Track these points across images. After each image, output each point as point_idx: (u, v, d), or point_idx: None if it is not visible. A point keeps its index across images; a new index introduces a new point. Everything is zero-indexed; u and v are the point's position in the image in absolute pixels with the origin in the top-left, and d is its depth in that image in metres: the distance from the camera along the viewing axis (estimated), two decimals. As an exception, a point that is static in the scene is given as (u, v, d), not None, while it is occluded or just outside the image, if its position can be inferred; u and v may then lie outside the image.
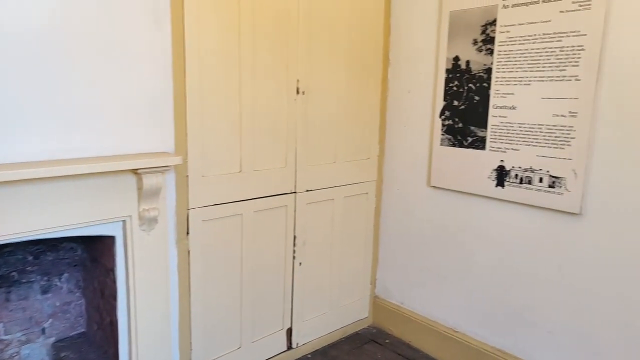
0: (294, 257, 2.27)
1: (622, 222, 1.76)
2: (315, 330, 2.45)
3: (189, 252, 1.85)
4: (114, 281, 1.61)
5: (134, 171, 1.52)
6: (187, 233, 1.83)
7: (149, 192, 1.54)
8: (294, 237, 2.25)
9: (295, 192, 2.22)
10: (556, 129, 1.90)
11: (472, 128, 2.20)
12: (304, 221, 2.29)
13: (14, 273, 1.68)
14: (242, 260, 2.06)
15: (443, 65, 2.30)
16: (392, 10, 2.52)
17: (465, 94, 2.22)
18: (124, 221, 1.57)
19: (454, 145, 2.28)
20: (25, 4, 1.36)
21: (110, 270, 1.62)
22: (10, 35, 1.34)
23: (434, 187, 2.40)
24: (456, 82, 2.25)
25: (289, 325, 2.32)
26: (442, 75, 2.31)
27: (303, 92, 2.17)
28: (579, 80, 1.82)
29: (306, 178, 2.26)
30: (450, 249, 2.36)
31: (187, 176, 1.79)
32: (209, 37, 1.81)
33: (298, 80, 2.15)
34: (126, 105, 1.59)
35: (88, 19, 1.48)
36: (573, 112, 1.84)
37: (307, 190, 2.28)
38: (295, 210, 2.24)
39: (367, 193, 2.60)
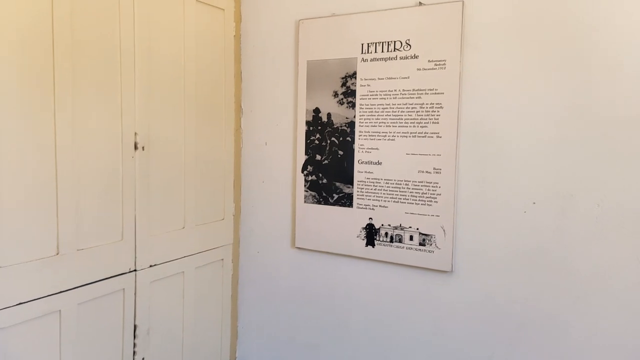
0: (134, 353, 1.79)
1: (489, 278, 1.76)
2: None
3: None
4: None
5: None
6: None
7: None
8: (135, 327, 1.78)
9: (135, 271, 1.78)
10: (422, 185, 1.86)
11: (338, 184, 2.06)
12: (148, 305, 1.84)
13: None
14: (61, 375, 1.52)
15: (303, 117, 2.14)
16: (243, 57, 2.30)
17: (328, 148, 2.08)
18: None
19: (319, 202, 2.11)
20: None
21: None
22: None
23: (300, 248, 2.19)
24: (318, 135, 2.11)
25: None
26: (303, 128, 2.15)
27: (143, 148, 1.79)
28: (440, 137, 1.81)
29: (149, 251, 1.83)
30: (322, 316, 2.15)
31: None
32: (7, 83, 1.34)
33: (136, 134, 1.75)
34: None
35: None
36: (437, 169, 1.82)
37: (151, 266, 1.85)
38: (135, 294, 1.78)
39: (222, 259, 2.25)
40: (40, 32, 1.42)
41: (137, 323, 1.79)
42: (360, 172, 2.01)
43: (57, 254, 1.49)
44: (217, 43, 2.14)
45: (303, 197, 2.16)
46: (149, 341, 1.85)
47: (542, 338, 1.68)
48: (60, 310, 1.50)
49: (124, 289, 1.72)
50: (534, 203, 1.66)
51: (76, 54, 1.52)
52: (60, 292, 1.50)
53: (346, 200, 2.04)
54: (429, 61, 1.83)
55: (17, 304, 1.38)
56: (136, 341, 1.79)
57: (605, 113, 1.54)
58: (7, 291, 1.35)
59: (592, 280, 1.59)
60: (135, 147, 1.76)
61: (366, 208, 1.99)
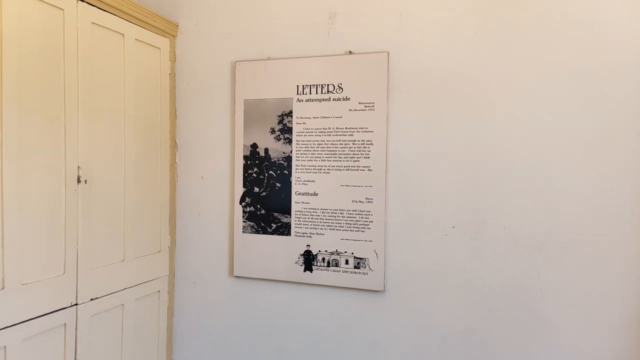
0: (74, 392, 1.73)
1: (417, 295, 1.98)
2: None
3: None
4: None
5: None
6: None
7: None
8: (76, 364, 1.73)
9: (77, 304, 1.74)
10: (356, 214, 2.06)
11: (276, 214, 2.19)
12: (88, 339, 1.79)
13: None
14: (1, 416, 1.45)
15: (240, 152, 2.26)
16: (177, 94, 2.38)
17: (266, 181, 2.22)
18: None
19: (257, 232, 2.22)
20: None
21: None
22: None
23: (238, 276, 2.26)
24: (256, 169, 2.24)
25: None
26: (240, 162, 2.26)
27: (85, 181, 1.79)
28: (371, 170, 2.04)
29: (90, 284, 1.81)
30: (260, 341, 2.22)
31: None
32: None
33: (79, 167, 1.76)
34: None
35: None
36: (369, 199, 2.04)
37: (92, 299, 1.82)
38: (76, 328, 1.73)
39: (159, 291, 2.25)
40: (-8, 63, 1.42)
41: (78, 359, 1.73)
42: (297, 203, 2.16)
43: (3, 288, 1.44)
44: (154, 81, 2.21)
45: (241, 227, 2.25)
46: (88, 378, 1.79)
47: (463, 348, 1.93)
48: (5, 346, 1.43)
49: (65, 323, 1.68)
50: (454, 227, 1.93)
51: (22, 90, 1.53)
52: (6, 327, 1.44)
53: (284, 229, 2.18)
54: (359, 103, 2.07)
55: (-39, 342, 1.31)
56: (78, 378, 1.73)
57: (500, 154, 1.87)
58: (-51, 328, 1.29)
59: (501, 293, 1.88)
60: (79, 181, 1.76)
61: (304, 236, 2.14)
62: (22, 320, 1.51)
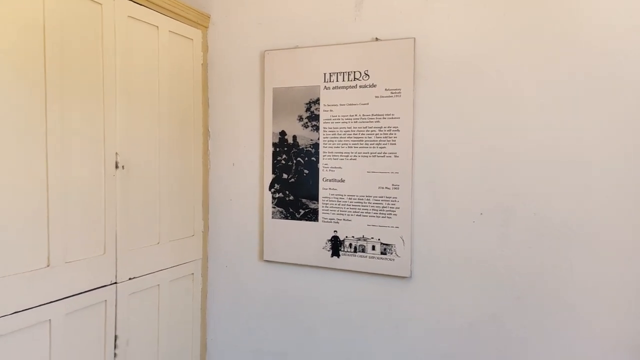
0: (115, 363, 1.85)
1: (444, 282, 1.99)
2: None
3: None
4: None
5: None
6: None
7: None
8: (115, 337, 1.85)
9: (116, 283, 1.85)
10: (382, 200, 2.08)
11: (304, 200, 2.24)
12: (127, 316, 1.91)
13: None
14: (48, 382, 1.58)
15: (269, 139, 2.32)
16: (210, 84, 2.46)
17: (294, 168, 2.27)
18: None
19: (286, 217, 2.28)
20: None
21: None
22: None
23: (267, 261, 2.33)
24: (284, 156, 2.29)
25: None
26: (269, 149, 2.32)
27: (123, 167, 1.89)
28: (397, 156, 2.06)
29: (128, 264, 1.92)
30: (289, 324, 2.29)
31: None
32: (3, 103, 1.44)
33: (117, 154, 1.86)
34: None
35: None
36: (395, 185, 2.06)
37: (130, 279, 1.93)
38: (116, 305, 1.85)
39: (192, 274, 2.35)
40: (33, 63, 1.53)
41: (117, 333, 1.85)
42: (324, 189, 2.20)
43: (48, 265, 1.56)
44: (187, 71, 2.29)
45: (271, 213, 2.32)
46: (127, 352, 1.91)
47: (490, 335, 1.92)
48: (50, 320, 1.55)
49: (105, 300, 1.79)
50: (481, 214, 1.92)
51: (65, 81, 1.64)
52: (51, 302, 1.56)
53: (312, 215, 2.23)
54: (385, 89, 2.08)
55: (12, 313, 1.43)
56: (117, 351, 1.85)
57: (529, 139, 1.84)
58: (2, 300, 1.41)
59: (530, 281, 1.85)
60: (117, 166, 1.86)
61: (331, 222, 2.19)
62: (66, 296, 1.63)
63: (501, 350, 1.91)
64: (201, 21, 2.37)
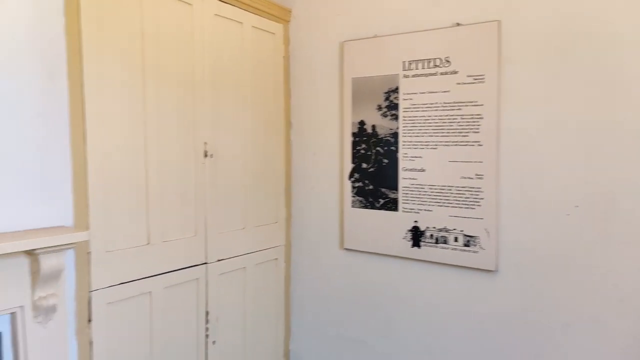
0: (207, 336, 2.01)
1: (533, 278, 1.88)
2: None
3: (91, 343, 1.51)
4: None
5: (29, 252, 1.20)
6: (89, 320, 1.51)
7: (47, 276, 1.23)
8: (207, 313, 2.00)
9: (206, 263, 2.00)
10: (465, 190, 2.03)
11: (384, 190, 2.25)
12: (217, 294, 2.06)
13: None
14: (151, 346, 1.78)
15: (349, 129, 2.35)
16: (291, 76, 2.54)
17: (373, 157, 2.28)
18: (12, 314, 1.21)
19: (365, 207, 2.30)
20: None
21: (-9, 378, 1.23)
22: None
23: (347, 249, 2.37)
24: (364, 146, 2.31)
25: (199, 420, 2.00)
26: (349, 139, 2.35)
27: (211, 155, 2.03)
28: (481, 145, 1.99)
29: (217, 247, 2.06)
30: (368, 313, 2.32)
31: (89, 253, 1.49)
32: (111, 98, 1.62)
33: (206, 143, 2.00)
34: (15, 172, 1.29)
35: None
36: (479, 175, 1.99)
37: (219, 260, 2.07)
38: (207, 283, 2.00)
39: (276, 259, 2.46)
40: (134, 61, 1.70)
41: (208, 310, 2.01)
42: (404, 179, 2.19)
43: (148, 243, 1.73)
44: (270, 64, 2.39)
45: (350, 202, 2.35)
46: (218, 327, 2.06)
47: (586, 338, 1.77)
48: (151, 292, 1.73)
49: (197, 278, 1.95)
50: (577, 206, 1.78)
51: (161, 78, 1.80)
52: (151, 276, 1.74)
53: (392, 205, 2.23)
54: (468, 76, 2.02)
55: (120, 283, 1.63)
56: (208, 326, 2.01)
57: (633, 122, 1.68)
58: (114, 272, 1.61)
59: (636, 282, 1.68)
60: (205, 155, 2.00)
61: (411, 212, 2.17)
62: (164, 272, 1.80)
63: (605, 355, 1.76)
64: (283, 15, 2.46)
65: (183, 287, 1.89)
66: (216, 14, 2.04)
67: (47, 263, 1.20)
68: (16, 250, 1.12)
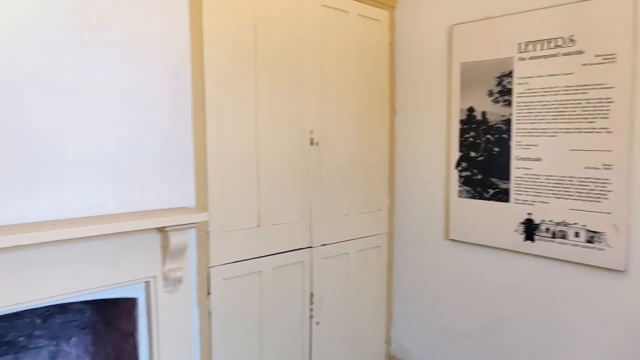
0: (311, 316, 2.10)
1: (665, 277, 1.69)
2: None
3: (210, 313, 1.67)
4: (134, 347, 1.42)
5: (160, 229, 1.34)
6: (208, 293, 1.67)
7: (175, 250, 1.37)
8: (311, 295, 2.09)
9: (311, 247, 2.07)
10: (590, 182, 1.85)
11: (494, 180, 2.14)
12: (321, 277, 2.13)
13: (21, 338, 1.47)
14: (261, 322, 1.91)
15: (456, 116, 2.26)
16: (396, 63, 2.50)
17: (483, 145, 2.17)
18: (147, 282, 1.38)
19: (473, 197, 2.21)
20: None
21: (130, 336, 1.43)
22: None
23: (453, 240, 2.30)
24: (472, 133, 2.21)
25: (303, 394, 2.10)
26: (456, 126, 2.26)
27: (317, 143, 2.08)
28: (610, 132, 1.80)
29: (321, 232, 2.12)
30: (475, 307, 2.23)
31: (208, 232, 1.63)
32: (227, 92, 1.74)
33: (311, 131, 2.05)
34: (145, 157, 1.44)
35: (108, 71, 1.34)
36: (607, 165, 1.81)
37: (323, 245, 2.13)
38: (311, 266, 2.08)
39: (379, 246, 2.47)
40: (247, 54, 1.80)
41: (313, 291, 2.09)
42: (518, 169, 2.06)
43: (259, 226, 1.84)
44: (374, 51, 2.38)
45: (457, 191, 2.27)
46: (322, 309, 2.14)
47: None
48: (261, 271, 1.85)
49: (302, 261, 2.04)
50: None
51: (272, 68, 1.88)
52: (261, 256, 1.86)
53: (502, 196, 2.11)
54: (595, 56, 1.83)
55: (234, 262, 1.76)
56: (312, 307, 2.09)
57: None
58: (229, 251, 1.74)
59: None
60: (311, 143, 2.06)
61: (524, 203, 2.04)
62: (272, 253, 1.91)
63: None
64: (388, 2, 2.42)
65: (289, 269, 1.98)
66: (323, 5, 2.07)
67: (175, 239, 1.34)
68: (151, 227, 1.26)
